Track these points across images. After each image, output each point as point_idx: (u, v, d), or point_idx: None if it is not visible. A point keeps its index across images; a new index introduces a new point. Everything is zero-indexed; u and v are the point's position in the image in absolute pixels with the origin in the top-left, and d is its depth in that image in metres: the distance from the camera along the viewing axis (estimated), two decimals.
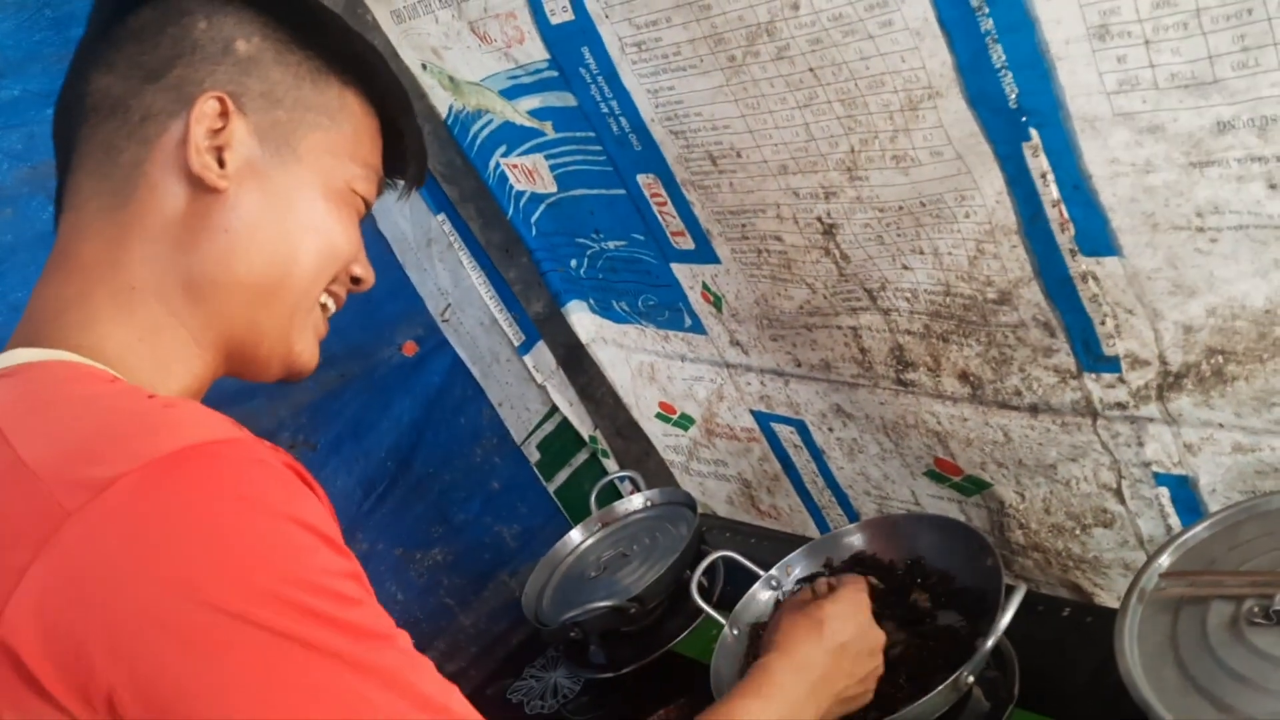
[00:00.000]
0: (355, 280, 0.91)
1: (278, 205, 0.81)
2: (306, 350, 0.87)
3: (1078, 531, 1.25)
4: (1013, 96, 0.92)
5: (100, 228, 0.78)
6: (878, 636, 1.04)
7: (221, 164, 0.79)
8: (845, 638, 1.01)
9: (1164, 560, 0.95)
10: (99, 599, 0.57)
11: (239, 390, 1.52)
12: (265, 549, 0.61)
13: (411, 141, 0.95)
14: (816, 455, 1.57)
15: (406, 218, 1.67)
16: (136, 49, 0.80)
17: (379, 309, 1.67)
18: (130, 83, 0.79)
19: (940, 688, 0.96)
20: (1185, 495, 1.10)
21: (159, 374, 0.77)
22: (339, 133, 0.86)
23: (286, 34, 0.84)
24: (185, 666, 0.57)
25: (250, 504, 0.61)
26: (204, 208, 0.79)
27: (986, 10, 0.89)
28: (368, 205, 0.91)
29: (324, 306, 0.89)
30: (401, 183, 0.99)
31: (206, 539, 0.59)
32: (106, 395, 0.70)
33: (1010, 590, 1.01)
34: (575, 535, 1.58)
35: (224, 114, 0.79)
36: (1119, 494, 1.17)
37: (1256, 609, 0.85)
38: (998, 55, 0.91)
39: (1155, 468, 1.11)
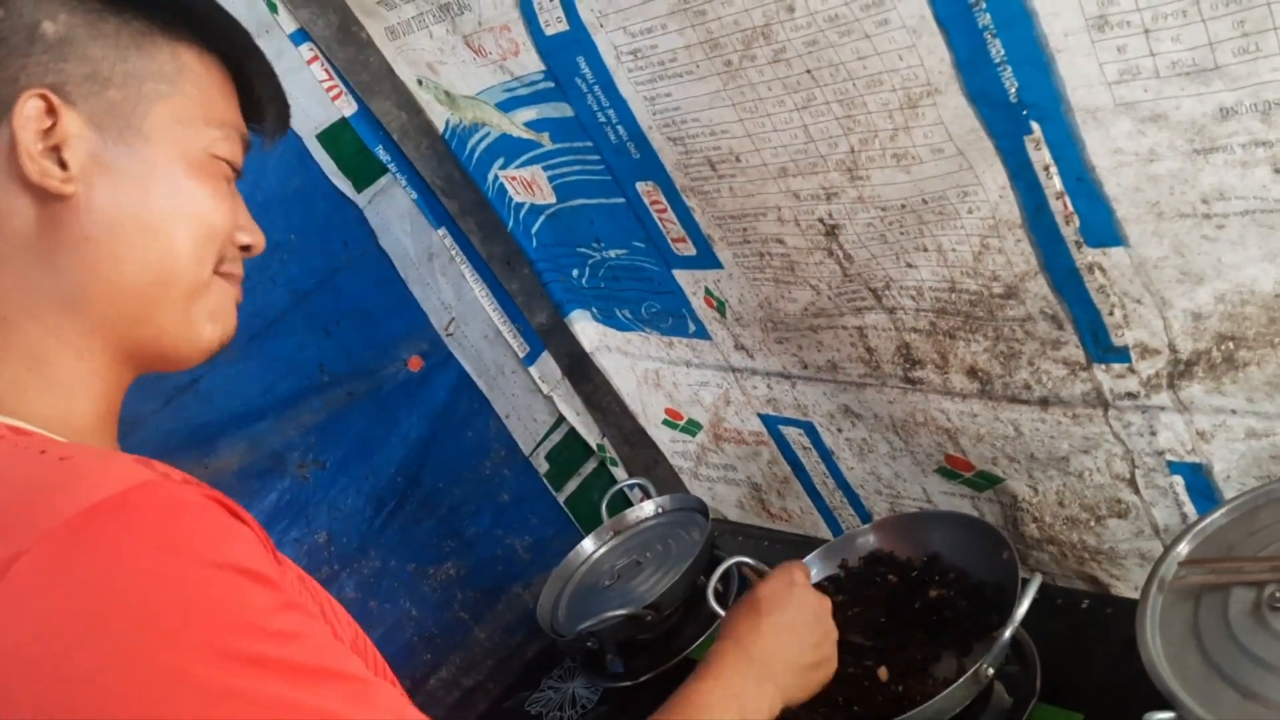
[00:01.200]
0: (245, 248, 0.84)
1: (135, 196, 0.74)
2: (218, 328, 0.80)
3: (1092, 523, 1.25)
4: (1013, 91, 0.92)
5: None
6: (817, 602, 1.04)
7: (63, 165, 0.72)
8: (782, 609, 1.02)
9: (1182, 548, 0.95)
10: (21, 691, 0.54)
11: (246, 414, 1.53)
12: (194, 602, 0.57)
13: (263, 85, 0.87)
14: (826, 456, 1.56)
15: (408, 233, 1.67)
16: None
17: (383, 326, 1.67)
18: None
19: (960, 681, 0.96)
20: (1200, 483, 1.10)
21: (60, 402, 0.73)
22: (183, 97, 0.78)
23: (95, 2, 0.76)
24: None
25: (171, 555, 0.58)
26: (56, 217, 0.72)
27: (983, 5, 0.89)
28: (235, 168, 0.83)
29: (226, 277, 0.82)
30: (264, 134, 0.90)
31: (131, 603, 0.55)
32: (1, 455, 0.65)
33: (1026, 582, 1.00)
34: (587, 545, 1.58)
35: (50, 110, 0.71)
36: (1133, 484, 1.16)
37: (1277, 594, 0.84)
38: (996, 50, 0.91)
39: (1169, 456, 1.11)
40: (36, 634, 0.55)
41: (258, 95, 0.87)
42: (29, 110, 0.71)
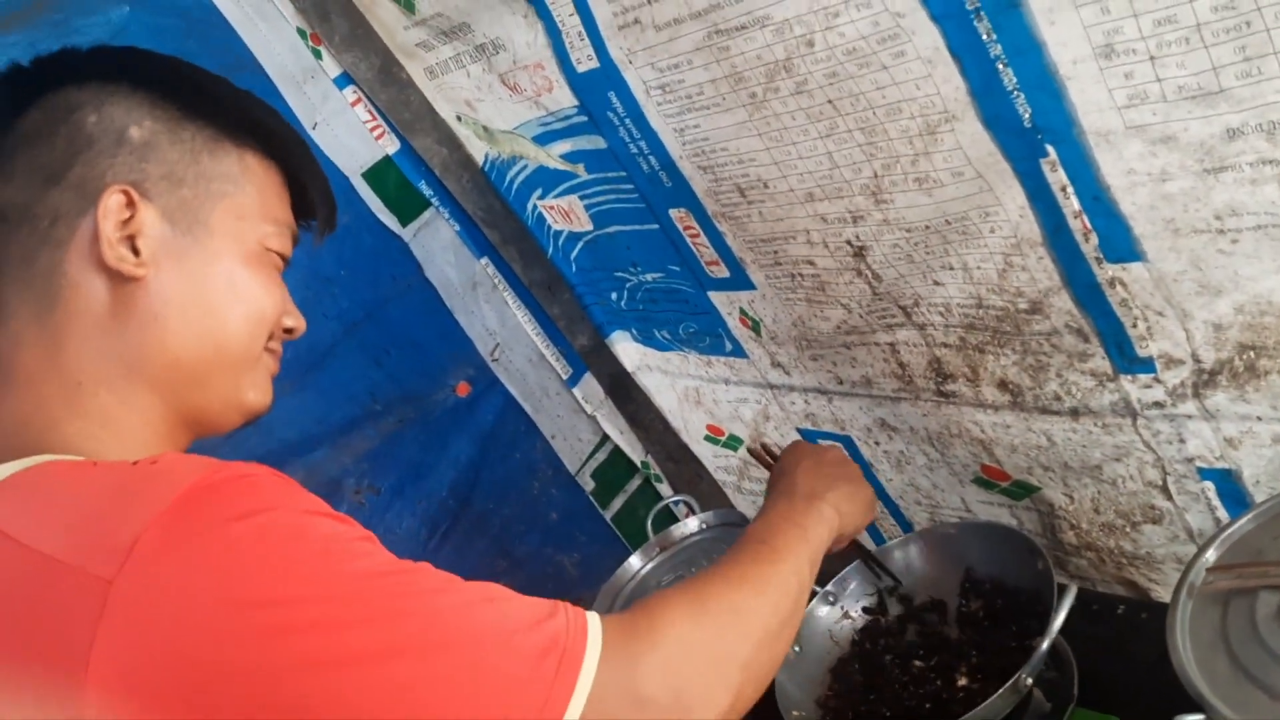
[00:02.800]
0: (288, 330, 0.94)
1: (198, 281, 0.83)
2: (260, 398, 0.90)
3: (1128, 529, 1.27)
4: (1026, 116, 0.96)
5: (35, 335, 0.80)
6: (818, 446, 1.19)
7: (136, 252, 0.81)
8: (795, 460, 1.15)
9: (1210, 554, 0.97)
10: (178, 632, 0.62)
11: (303, 442, 1.59)
12: (294, 538, 0.66)
13: (316, 188, 0.97)
14: (865, 469, 1.59)
15: (451, 264, 1.73)
16: (31, 154, 0.82)
17: (431, 354, 1.73)
18: (32, 189, 0.81)
19: (1000, 690, 0.98)
20: (1230, 488, 1.12)
21: (128, 457, 0.78)
22: (244, 196, 0.88)
23: (175, 110, 0.86)
24: (284, 663, 0.63)
25: (261, 512, 0.67)
26: (127, 297, 0.81)
27: (994, 37, 0.92)
28: (285, 260, 0.92)
29: (272, 353, 0.92)
30: (314, 227, 1.00)
31: (242, 554, 0.64)
32: (94, 475, 0.73)
33: (1063, 590, 1.03)
34: (635, 561, 1.62)
35: (130, 204, 0.81)
36: (1165, 490, 1.18)
37: None
38: (1009, 78, 0.94)
39: (1198, 463, 1.13)
40: (171, 594, 0.63)
41: (310, 197, 0.97)
42: (112, 204, 0.80)
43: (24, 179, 0.82)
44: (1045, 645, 0.99)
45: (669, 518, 1.75)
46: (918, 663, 1.16)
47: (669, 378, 1.82)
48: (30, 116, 0.83)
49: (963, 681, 1.08)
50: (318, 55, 1.55)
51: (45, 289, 0.80)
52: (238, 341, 0.86)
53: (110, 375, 0.81)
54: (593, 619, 0.74)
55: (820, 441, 1.19)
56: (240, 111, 0.90)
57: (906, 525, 1.62)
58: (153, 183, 0.83)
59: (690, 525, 1.63)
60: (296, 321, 0.94)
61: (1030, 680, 1.01)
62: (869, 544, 1.36)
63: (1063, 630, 1.07)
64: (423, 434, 1.71)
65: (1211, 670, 0.88)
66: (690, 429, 1.88)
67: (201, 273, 0.84)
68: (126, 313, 0.81)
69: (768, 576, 0.91)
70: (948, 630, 1.18)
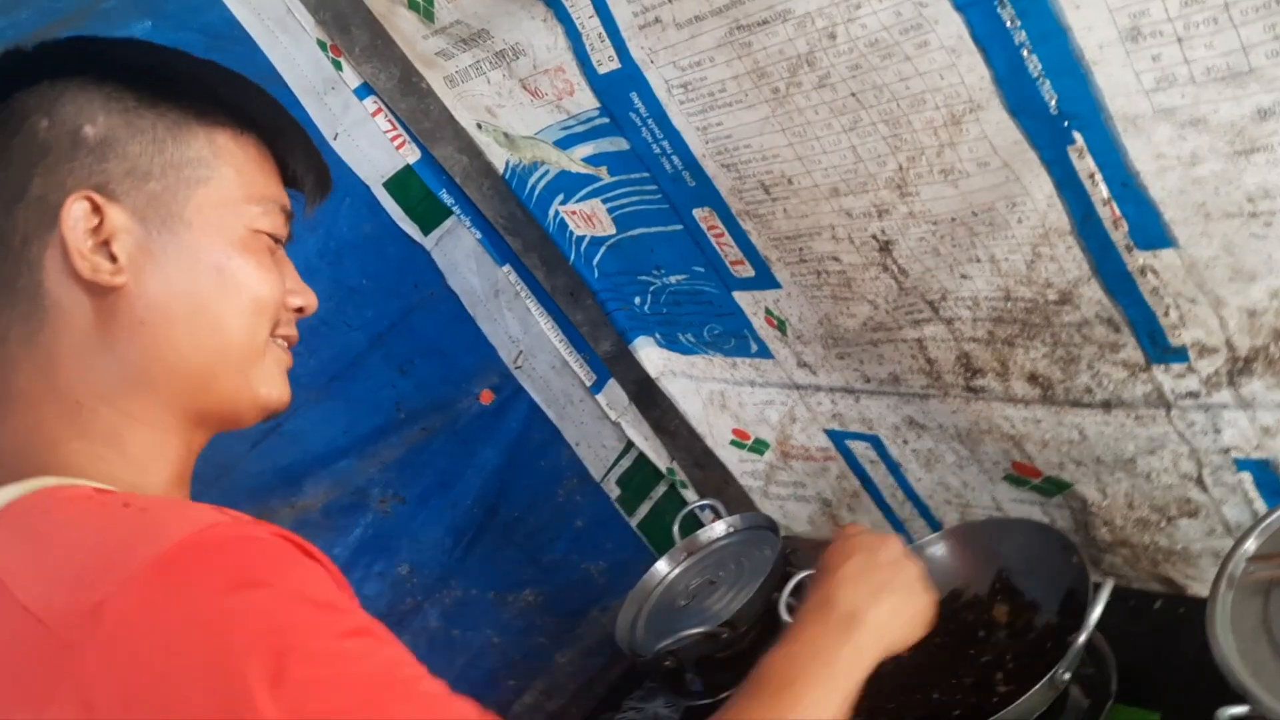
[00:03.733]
0: (298, 310, 0.89)
1: (183, 280, 0.78)
2: (274, 390, 0.85)
3: (1163, 524, 1.25)
4: (1052, 103, 0.95)
5: (26, 356, 0.77)
6: (880, 542, 1.02)
7: (113, 258, 0.76)
8: (846, 560, 0.99)
9: (1250, 545, 0.96)
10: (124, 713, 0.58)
11: (329, 453, 1.59)
12: (269, 625, 0.61)
13: (299, 154, 0.90)
14: (894, 469, 1.58)
15: (474, 271, 1.73)
16: None
17: (455, 362, 1.72)
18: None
19: (1036, 686, 0.97)
20: (1268, 478, 1.10)
21: (137, 474, 0.77)
22: (220, 180, 0.82)
23: (131, 99, 0.80)
24: None
25: (244, 586, 0.62)
26: (111, 307, 0.77)
27: (1019, 23, 0.92)
28: (278, 239, 0.86)
29: (280, 342, 0.86)
30: (306, 199, 0.94)
31: (210, 634, 0.60)
32: (85, 513, 0.69)
33: (1099, 586, 1.02)
34: (662, 566, 1.61)
35: (96, 209, 0.76)
36: (1201, 483, 1.17)
37: None
38: (1034, 65, 0.93)
39: (1235, 453, 1.11)
40: (130, 669, 0.59)
41: (293, 166, 0.90)
42: (76, 213, 0.75)
43: None
44: (1082, 639, 0.98)
45: (695, 523, 1.73)
46: (952, 659, 1.15)
47: (693, 382, 1.81)
48: None
49: (999, 677, 1.06)
50: (338, 66, 1.56)
51: (30, 310, 0.77)
52: (237, 336, 0.81)
53: (109, 391, 0.77)
54: None
55: (869, 535, 1.05)
56: (202, 89, 0.83)
57: (936, 525, 1.60)
58: (117, 182, 0.77)
59: (717, 529, 1.63)
60: (306, 299, 0.89)
61: (1067, 676, 0.99)
62: None
63: (1100, 626, 1.06)
64: (448, 443, 1.71)
65: (1255, 661, 0.87)
66: (716, 434, 1.87)
67: (185, 270, 0.79)
68: (114, 324, 0.77)
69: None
70: (981, 628, 1.16)
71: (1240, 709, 0.84)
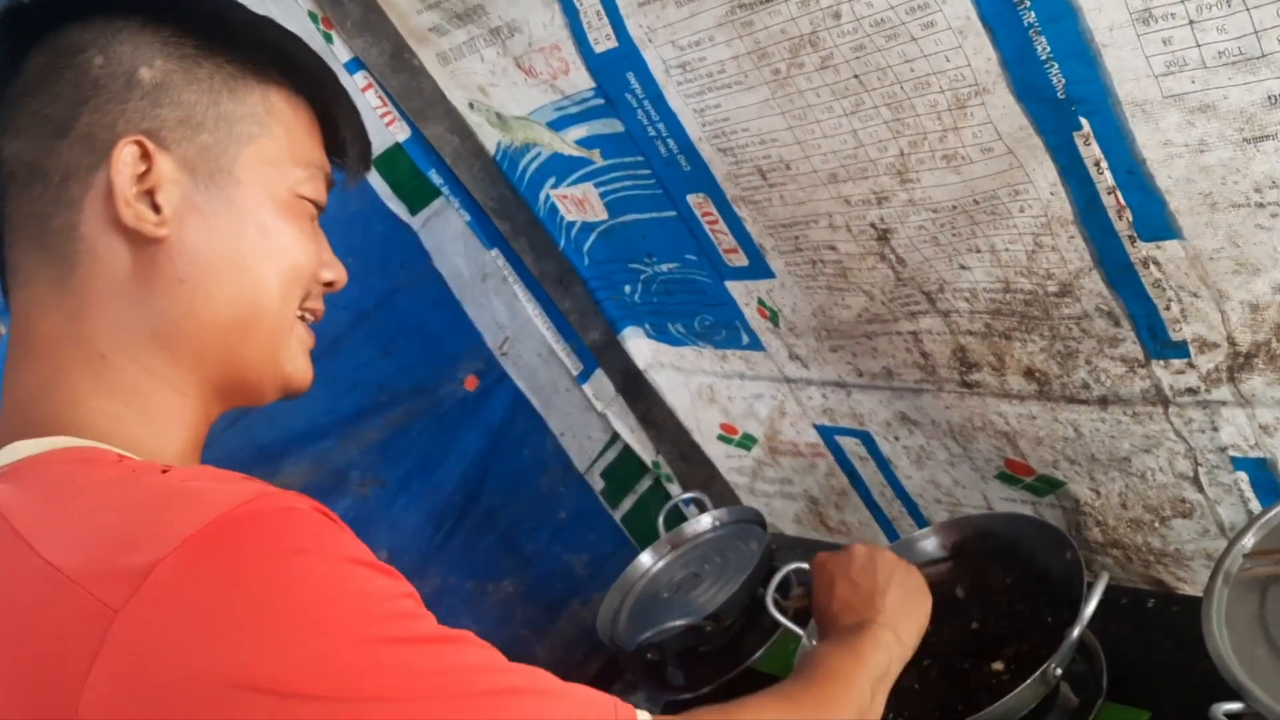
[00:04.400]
0: (328, 284, 0.87)
1: (226, 237, 0.76)
2: (299, 368, 0.83)
3: (1157, 524, 1.23)
4: (1060, 87, 0.93)
5: (55, 302, 0.74)
6: (870, 550, 1.06)
7: (156, 209, 0.74)
8: (844, 572, 1.05)
9: (1247, 541, 0.94)
10: (179, 686, 0.56)
11: (309, 432, 1.56)
12: (330, 593, 0.60)
13: (348, 124, 0.88)
14: (884, 466, 1.56)
15: (461, 254, 1.71)
16: (36, 104, 0.75)
17: (439, 346, 1.70)
18: (40, 143, 0.74)
19: (1028, 681, 0.95)
20: (1265, 478, 1.09)
21: (155, 437, 0.75)
22: (271, 139, 0.80)
23: (190, 47, 0.78)
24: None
25: (304, 557, 0.60)
26: (150, 259, 0.74)
27: (1028, 4, 0.90)
28: (319, 207, 0.85)
29: (304, 319, 0.85)
30: (346, 171, 0.91)
31: (266, 601, 0.58)
32: (119, 479, 0.67)
33: (1093, 580, 1.00)
34: (645, 559, 1.59)
35: (145, 156, 0.73)
36: (1196, 482, 1.15)
37: None
38: (1042, 47, 0.91)
39: (1232, 452, 1.09)
40: (180, 635, 0.57)
41: (342, 135, 0.88)
42: (125, 157, 0.73)
43: (31, 133, 0.74)
44: (1076, 633, 0.96)
45: (680, 516, 1.71)
46: (946, 654, 1.13)
47: (682, 375, 1.79)
48: (33, 61, 0.75)
49: (996, 666, 1.04)
50: (329, 39, 1.53)
51: (62, 253, 0.74)
52: (273, 301, 0.78)
53: (136, 346, 0.74)
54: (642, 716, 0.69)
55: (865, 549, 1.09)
56: (262, 43, 0.82)
57: (924, 525, 1.58)
58: (169, 129, 0.75)
59: (703, 522, 1.60)
60: (337, 273, 0.87)
61: (1059, 671, 0.97)
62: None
63: (1091, 625, 1.04)
64: (430, 427, 1.68)
65: (1250, 657, 0.85)
66: (703, 429, 1.85)
67: (230, 228, 0.76)
68: (151, 277, 0.74)
69: (826, 698, 0.87)
70: (974, 623, 1.14)
71: (1235, 705, 0.82)
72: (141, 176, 0.74)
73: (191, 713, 0.56)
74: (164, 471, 0.67)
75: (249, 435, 1.48)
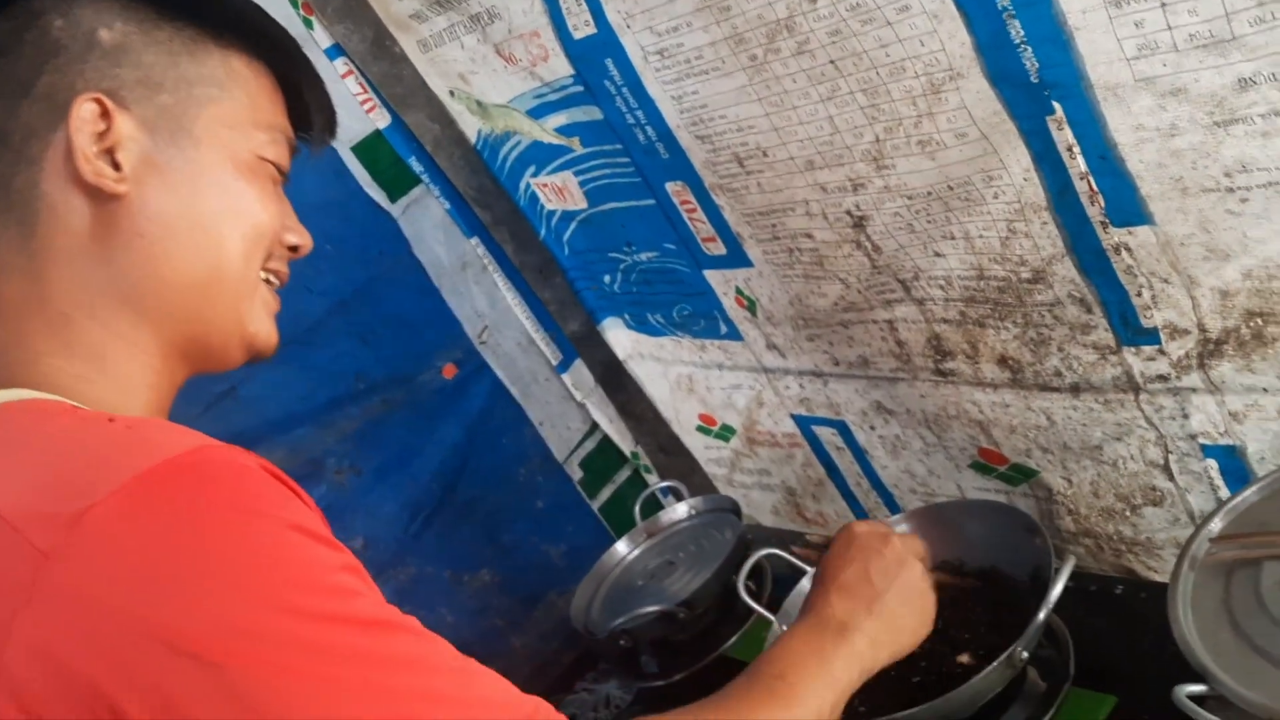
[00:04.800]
0: (293, 249, 0.87)
1: (186, 195, 0.77)
2: (263, 329, 0.84)
3: (1128, 513, 1.24)
4: (1033, 71, 0.93)
5: (16, 262, 0.75)
6: (882, 543, 0.99)
7: (116, 166, 0.75)
8: (846, 565, 0.97)
9: (1214, 526, 0.95)
10: (104, 636, 0.56)
11: (285, 420, 1.56)
12: (264, 558, 0.59)
13: (311, 91, 0.90)
14: (860, 456, 1.56)
15: (441, 242, 1.70)
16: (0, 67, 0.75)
17: (418, 334, 1.69)
18: (3, 103, 0.75)
19: (994, 664, 0.95)
20: (1234, 465, 1.09)
21: (117, 396, 0.75)
22: (232, 101, 0.81)
23: (150, 9, 0.79)
24: (207, 688, 0.56)
25: (243, 514, 0.60)
26: (110, 216, 0.75)
27: None
28: (282, 171, 0.86)
29: (269, 283, 0.85)
30: (311, 141, 0.93)
31: (201, 556, 0.58)
32: (67, 428, 0.67)
33: (1060, 564, 1.00)
34: (621, 547, 1.59)
35: (105, 114, 0.74)
36: (1167, 470, 1.16)
37: None
38: (1016, 30, 0.92)
39: (1202, 439, 1.10)
40: (109, 581, 0.57)
41: (305, 102, 0.90)
42: (84, 113, 0.74)
43: None
44: (1042, 616, 0.96)
45: (656, 505, 1.71)
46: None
47: (661, 365, 1.79)
48: None
49: (961, 658, 1.04)
50: (309, 25, 1.53)
51: (24, 212, 0.74)
52: (233, 260, 0.79)
53: (98, 305, 0.75)
54: None
55: (881, 522, 1.04)
56: (222, 8, 0.83)
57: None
58: (128, 89, 0.76)
59: (679, 511, 1.60)
60: (301, 238, 0.87)
61: (1026, 654, 0.97)
62: None
63: (1060, 611, 1.04)
64: (408, 416, 1.68)
65: (1215, 641, 0.86)
66: (682, 419, 1.85)
67: (190, 186, 0.77)
68: (111, 234, 0.75)
69: (787, 706, 0.83)
70: (943, 608, 1.14)
71: (1198, 688, 0.82)
72: (101, 135, 0.75)
73: (109, 665, 0.56)
74: (110, 420, 0.67)
75: (224, 421, 1.47)
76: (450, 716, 0.62)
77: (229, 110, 0.81)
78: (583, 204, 1.58)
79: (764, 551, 1.18)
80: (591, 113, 1.40)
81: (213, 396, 1.48)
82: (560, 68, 1.36)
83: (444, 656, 0.65)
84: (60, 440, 0.66)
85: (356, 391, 1.63)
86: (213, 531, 0.59)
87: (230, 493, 0.61)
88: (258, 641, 0.57)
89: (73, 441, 0.65)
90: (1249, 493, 0.96)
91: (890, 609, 0.95)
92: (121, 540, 0.57)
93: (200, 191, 0.78)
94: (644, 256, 1.58)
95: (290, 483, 0.66)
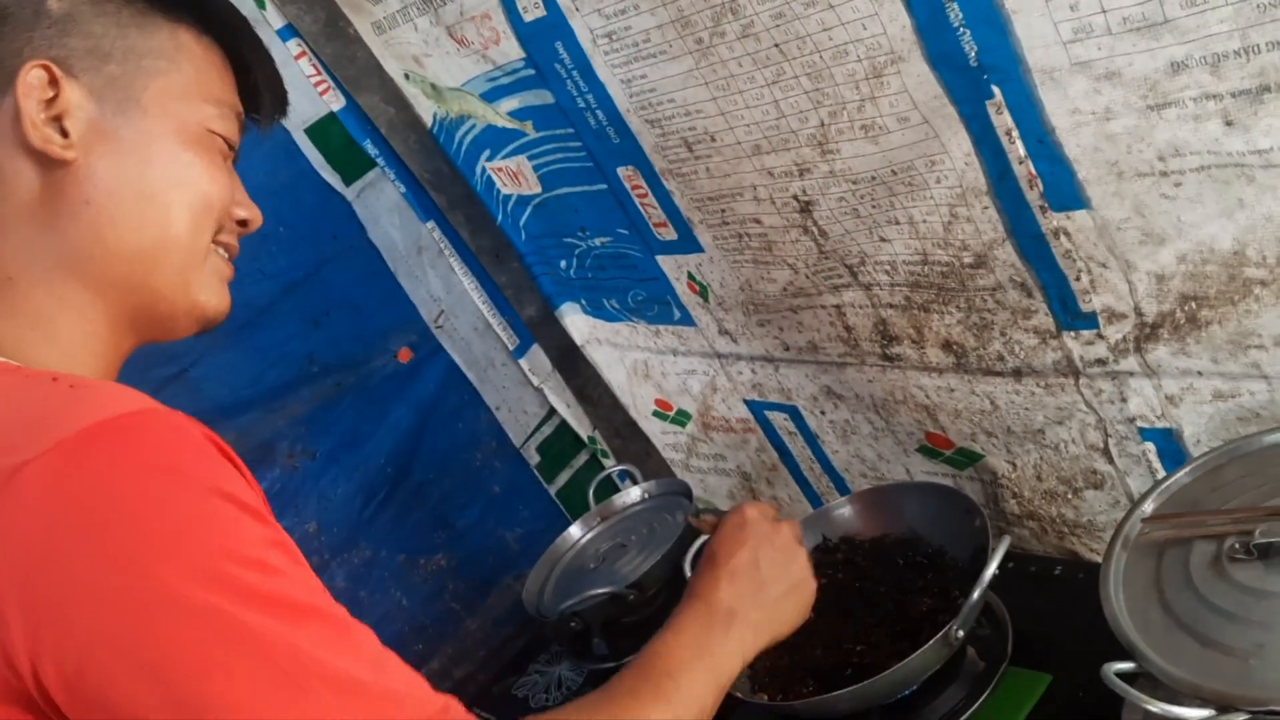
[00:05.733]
0: (242, 223, 0.88)
1: (133, 164, 0.78)
2: (213, 298, 0.84)
3: (1070, 496, 1.25)
4: (972, 54, 0.94)
5: None
6: (773, 531, 1.01)
7: (65, 134, 0.75)
8: (737, 550, 0.99)
9: (1147, 506, 0.96)
10: (16, 580, 0.57)
11: (235, 403, 1.55)
12: (189, 523, 0.60)
13: (259, 69, 0.91)
14: (811, 441, 1.57)
15: (396, 226, 1.70)
16: None
17: (372, 318, 1.69)
18: None
19: (930, 643, 0.96)
20: (1171, 449, 1.11)
21: (62, 361, 0.76)
22: (180, 74, 0.82)
23: None
24: (109, 640, 0.57)
25: (170, 476, 0.61)
26: (58, 183, 0.76)
27: None
28: (231, 145, 0.86)
29: (225, 246, 0.86)
30: (260, 119, 0.94)
31: (128, 515, 0.59)
32: (8, 385, 0.68)
33: (996, 543, 1.01)
34: (575, 530, 1.59)
35: (53, 81, 0.75)
36: (1107, 453, 1.17)
37: (1237, 545, 0.85)
38: (954, 13, 0.92)
39: (1140, 423, 1.11)
40: (35, 539, 0.58)
41: (254, 79, 0.91)
42: (32, 79, 0.75)
43: None
44: (976, 594, 0.97)
45: (611, 488, 1.71)
46: (847, 620, 1.14)
47: (618, 350, 1.79)
48: None
49: (894, 633, 1.06)
50: (261, 5, 1.51)
51: None
52: (180, 230, 0.80)
53: (43, 270, 0.76)
54: None
55: (766, 509, 1.06)
56: None
57: None
58: (77, 58, 0.77)
59: (632, 494, 1.61)
60: (250, 212, 0.88)
61: (962, 633, 0.99)
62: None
63: (1000, 591, 1.06)
64: (361, 399, 1.67)
65: (1144, 619, 0.87)
66: (639, 404, 1.86)
67: (137, 155, 0.78)
68: (58, 200, 0.76)
69: (669, 701, 0.84)
70: (881, 588, 1.16)
71: (1126, 665, 0.83)
72: (49, 102, 0.75)
73: (31, 615, 0.56)
74: (54, 379, 0.68)
75: (174, 404, 1.39)
76: (359, 709, 0.61)
77: (177, 82, 0.81)
78: (537, 189, 1.58)
79: (692, 517, 1.18)
80: (543, 96, 1.39)
81: (162, 379, 1.47)
82: (511, 50, 1.36)
83: (362, 649, 0.65)
84: (1, 397, 0.66)
85: (308, 374, 1.62)
86: (133, 492, 0.59)
87: (155, 454, 0.61)
88: (164, 605, 0.58)
89: (13, 400, 0.66)
90: (1181, 474, 0.97)
91: (774, 598, 0.97)
92: (51, 495, 0.58)
93: (148, 161, 0.79)
94: (598, 241, 1.58)
95: (235, 458, 0.67)
